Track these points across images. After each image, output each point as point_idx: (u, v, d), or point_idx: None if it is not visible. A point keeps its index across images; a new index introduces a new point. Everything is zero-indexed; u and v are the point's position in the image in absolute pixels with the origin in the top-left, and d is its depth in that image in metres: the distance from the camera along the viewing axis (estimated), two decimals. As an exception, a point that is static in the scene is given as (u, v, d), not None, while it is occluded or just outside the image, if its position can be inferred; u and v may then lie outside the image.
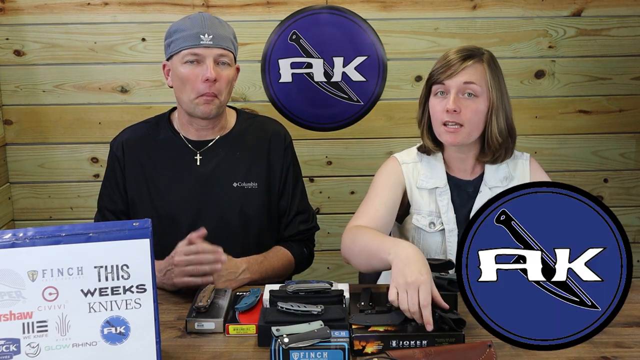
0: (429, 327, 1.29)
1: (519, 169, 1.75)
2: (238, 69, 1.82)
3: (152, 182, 1.79)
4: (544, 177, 1.76)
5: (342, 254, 1.66)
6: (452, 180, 1.73)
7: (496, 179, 1.72)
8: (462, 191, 1.72)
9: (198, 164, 1.79)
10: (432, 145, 1.71)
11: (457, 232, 1.69)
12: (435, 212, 1.71)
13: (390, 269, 1.40)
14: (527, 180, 1.72)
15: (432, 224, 1.71)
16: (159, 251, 1.77)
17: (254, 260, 1.71)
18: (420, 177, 1.73)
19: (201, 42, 1.67)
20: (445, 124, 1.62)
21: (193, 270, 1.55)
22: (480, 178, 1.73)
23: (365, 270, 1.66)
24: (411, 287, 1.31)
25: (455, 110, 1.60)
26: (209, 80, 1.68)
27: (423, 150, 1.75)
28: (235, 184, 1.78)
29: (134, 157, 1.80)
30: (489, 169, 1.72)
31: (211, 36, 1.68)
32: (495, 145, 1.66)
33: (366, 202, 1.71)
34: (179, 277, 1.56)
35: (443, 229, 1.70)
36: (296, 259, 1.84)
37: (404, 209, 1.76)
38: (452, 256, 1.65)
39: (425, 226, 1.71)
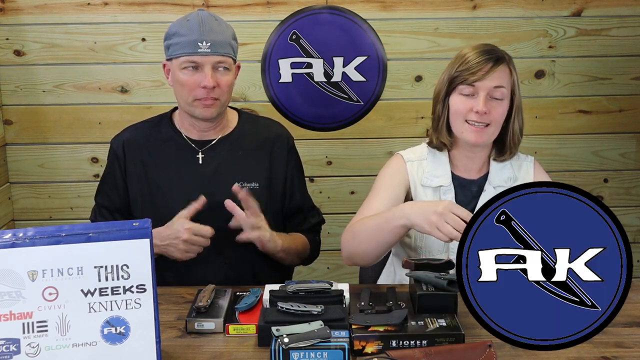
0: None
1: (523, 171, 1.77)
2: (239, 67, 1.82)
3: (154, 181, 1.79)
4: (546, 180, 1.76)
5: (344, 255, 1.66)
6: (456, 179, 1.73)
7: (501, 179, 1.73)
8: (466, 190, 1.73)
9: (200, 162, 1.79)
10: (449, 141, 1.72)
11: (459, 231, 1.69)
12: (439, 211, 1.71)
13: (403, 235, 1.55)
14: (530, 182, 1.73)
15: None
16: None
17: (280, 235, 1.78)
18: (425, 175, 1.73)
19: (199, 50, 1.67)
20: (467, 121, 1.64)
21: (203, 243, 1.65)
22: (484, 178, 1.74)
23: (376, 255, 1.63)
24: (446, 215, 1.40)
25: (485, 112, 1.62)
26: (207, 87, 1.68)
27: (434, 145, 1.76)
28: (236, 184, 1.78)
29: (135, 156, 1.80)
30: (494, 168, 1.73)
31: (209, 44, 1.67)
32: (516, 144, 1.72)
33: (366, 204, 1.71)
34: (187, 253, 1.65)
35: (446, 228, 1.70)
36: (310, 243, 1.91)
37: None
38: (454, 255, 1.65)
39: None
